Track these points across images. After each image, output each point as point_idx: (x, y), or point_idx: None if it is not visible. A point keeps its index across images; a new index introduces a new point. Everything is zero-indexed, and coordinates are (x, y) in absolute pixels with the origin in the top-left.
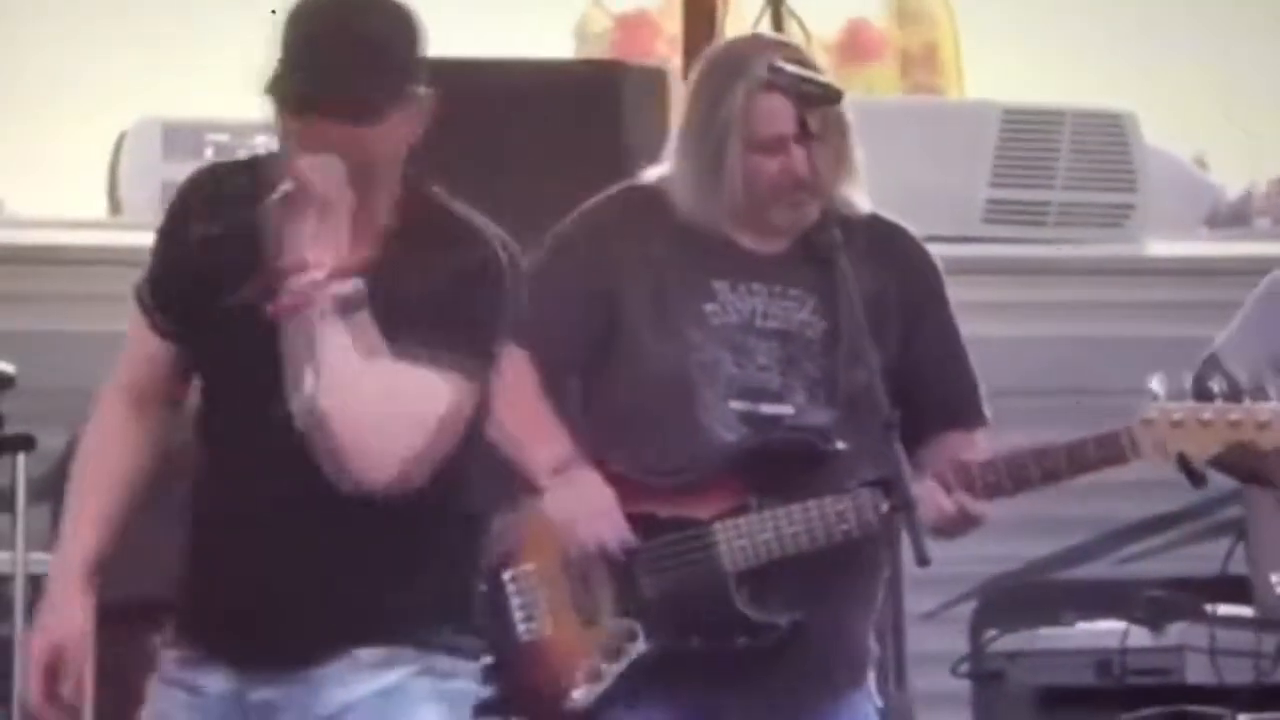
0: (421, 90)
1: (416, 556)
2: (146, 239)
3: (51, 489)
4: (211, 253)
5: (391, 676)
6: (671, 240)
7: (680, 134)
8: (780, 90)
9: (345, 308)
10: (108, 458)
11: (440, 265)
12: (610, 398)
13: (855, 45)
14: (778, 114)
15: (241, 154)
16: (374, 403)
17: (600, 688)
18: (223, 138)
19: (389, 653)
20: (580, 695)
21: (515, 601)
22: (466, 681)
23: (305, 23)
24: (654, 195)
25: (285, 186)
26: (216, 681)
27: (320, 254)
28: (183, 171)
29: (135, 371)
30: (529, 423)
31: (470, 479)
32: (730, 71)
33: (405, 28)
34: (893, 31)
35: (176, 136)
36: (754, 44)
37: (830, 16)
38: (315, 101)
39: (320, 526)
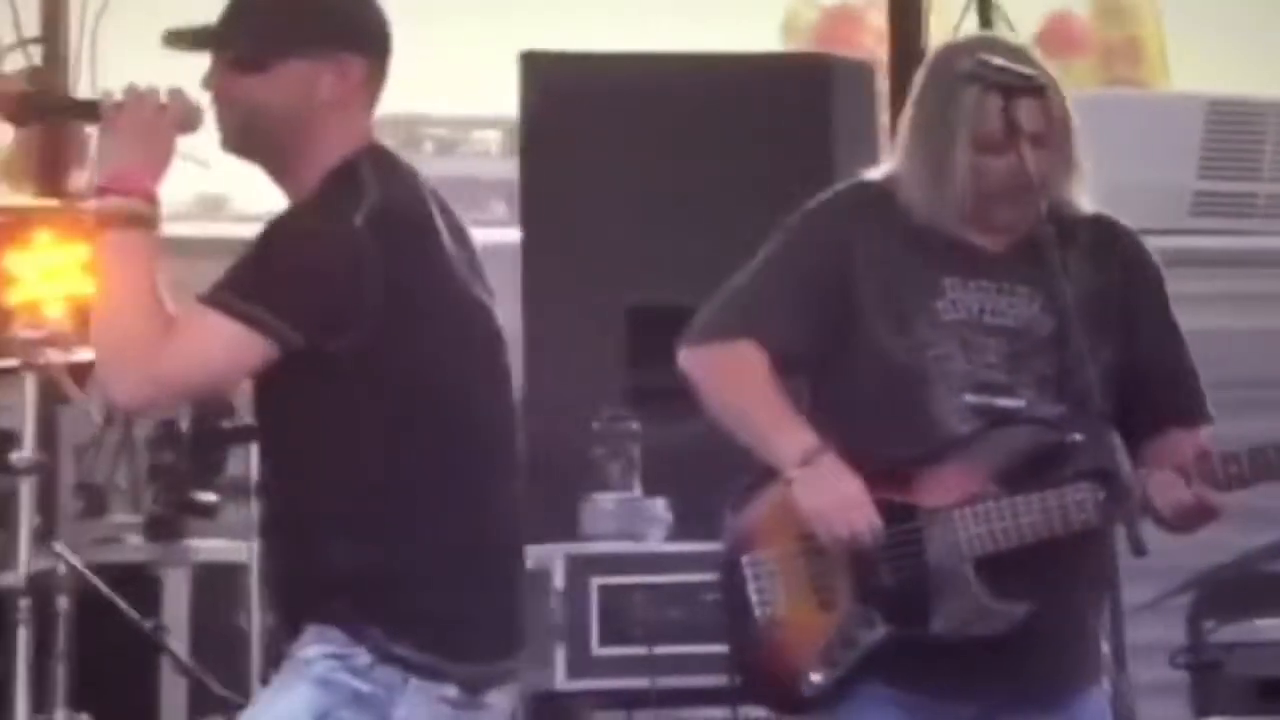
0: (334, 53)
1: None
2: None
3: None
4: None
5: (309, 650)
6: (901, 237)
7: (906, 134)
8: (1003, 90)
9: (114, 223)
10: None
11: (274, 221)
12: (842, 388)
13: (1057, 38)
14: (1001, 114)
15: (463, 149)
16: (118, 321)
17: (836, 673)
18: (440, 132)
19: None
20: (817, 679)
21: (752, 585)
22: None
23: None
24: (883, 192)
25: (107, 104)
26: None
27: (111, 173)
28: None
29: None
30: (766, 411)
31: (400, 457)
32: (954, 74)
33: None
34: (1095, 25)
35: (396, 131)
36: (976, 45)
37: (1033, 10)
38: (208, 39)
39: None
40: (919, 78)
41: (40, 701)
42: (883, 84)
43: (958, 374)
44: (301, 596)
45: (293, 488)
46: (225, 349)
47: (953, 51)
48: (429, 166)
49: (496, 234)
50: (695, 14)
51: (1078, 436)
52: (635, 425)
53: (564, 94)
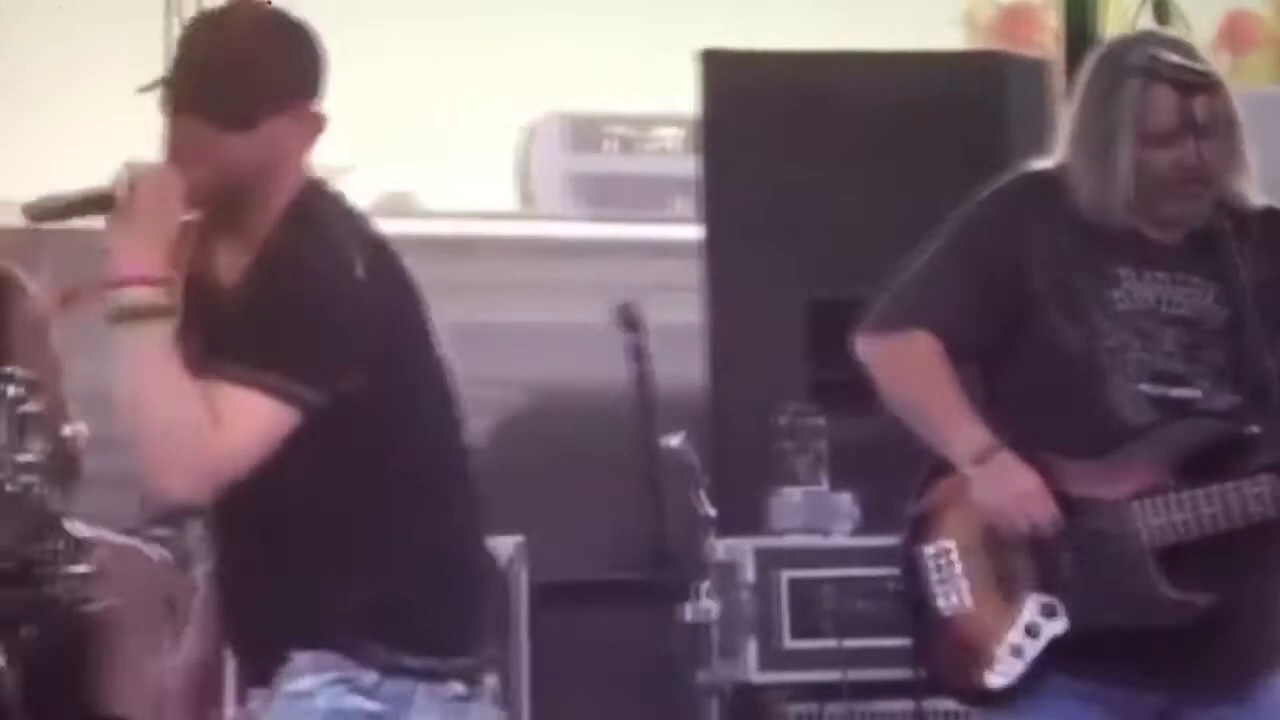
0: (307, 107)
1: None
2: (554, 229)
3: (477, 473)
4: None
5: (305, 682)
6: (1072, 227)
7: (1071, 129)
8: (1168, 83)
9: (143, 316)
10: None
11: (263, 287)
12: (1016, 377)
13: (1234, 35)
14: (1167, 107)
15: (644, 147)
16: (165, 416)
17: (1021, 664)
18: (622, 130)
19: (315, 657)
20: (1002, 670)
21: (934, 577)
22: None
23: (192, 29)
24: (1054, 181)
25: (120, 190)
26: None
27: (131, 262)
28: (586, 164)
29: None
30: (942, 405)
31: (383, 489)
32: (1119, 67)
33: (288, 42)
34: (1273, 21)
35: (578, 129)
36: (1142, 39)
37: (1210, 7)
38: (185, 99)
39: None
40: (1084, 71)
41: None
42: (1059, 82)
43: (1134, 363)
44: (292, 631)
45: (280, 525)
46: (270, 428)
47: (1119, 45)
48: (610, 164)
49: (678, 230)
50: (874, 12)
51: (1256, 429)
52: (820, 420)
53: (743, 92)
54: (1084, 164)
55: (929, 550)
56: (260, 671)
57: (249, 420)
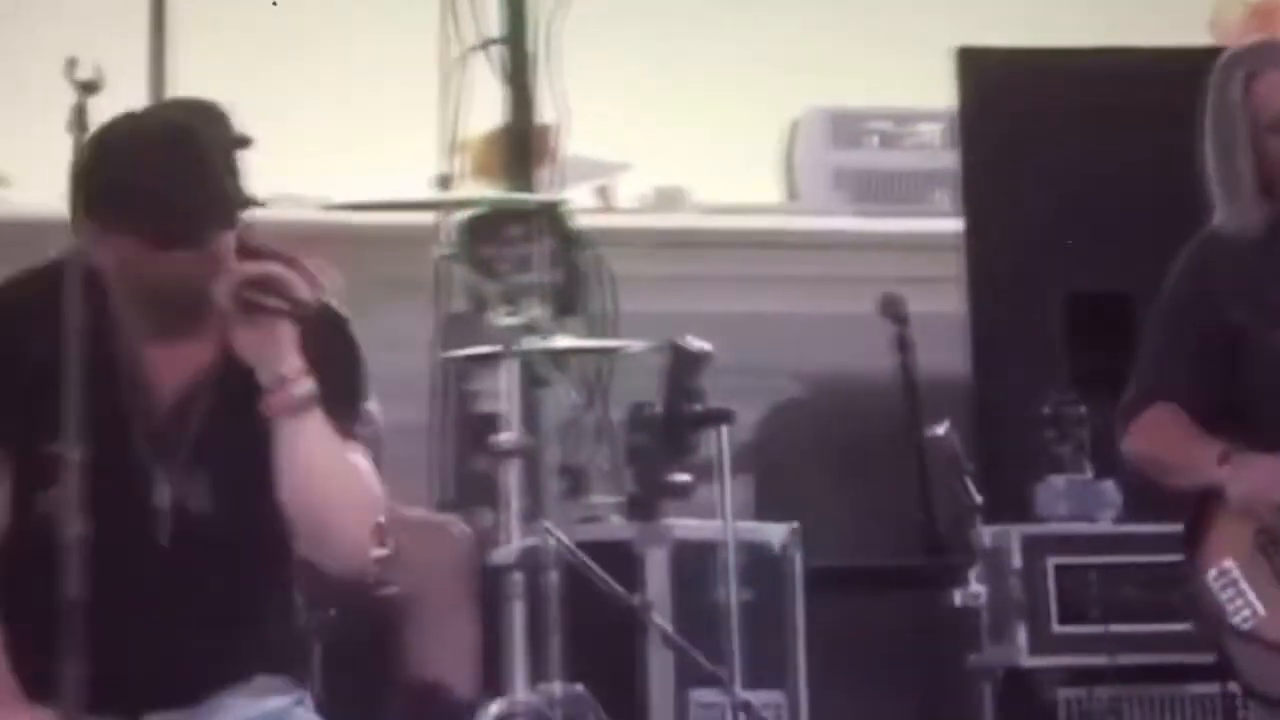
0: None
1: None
2: (819, 223)
3: (750, 460)
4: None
5: (277, 702)
6: (1244, 247)
7: (1204, 136)
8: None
9: (310, 407)
10: None
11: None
12: (1240, 396)
13: None
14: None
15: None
16: (348, 484)
17: None
18: (885, 125)
19: (275, 681)
20: None
21: (1224, 596)
22: None
23: (142, 155)
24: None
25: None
26: None
27: (286, 354)
28: (849, 159)
29: None
30: (1182, 447)
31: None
32: (1234, 61)
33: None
34: None
35: (842, 124)
36: (1261, 42)
37: None
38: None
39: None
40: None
41: (536, 672)
42: None
43: None
44: (258, 655)
45: (260, 551)
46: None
47: (1238, 45)
48: (872, 159)
49: (939, 224)
50: (1124, 11)
51: None
52: (1082, 408)
53: (999, 88)
54: (1213, 164)
55: (1212, 574)
56: (174, 692)
57: (371, 474)
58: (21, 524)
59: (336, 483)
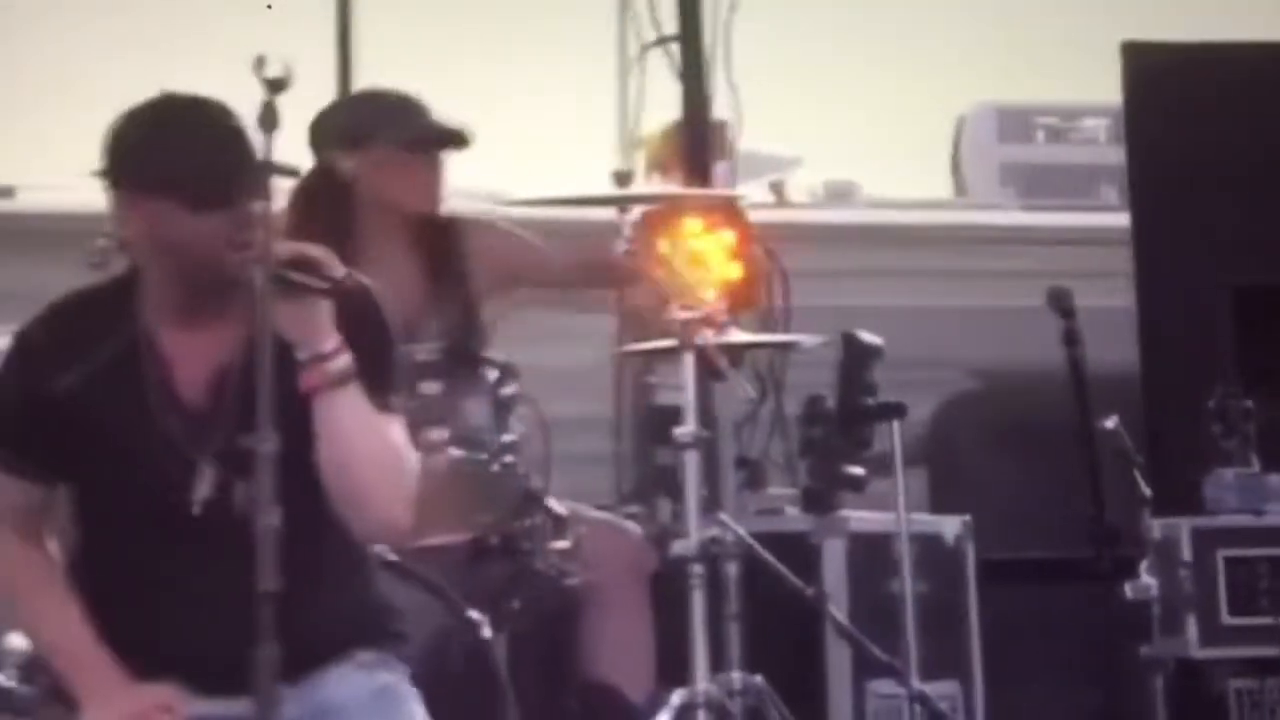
0: None
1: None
2: (987, 218)
3: (921, 454)
4: (84, 395)
5: (385, 677)
6: None
7: None
8: None
9: (346, 379)
10: (46, 571)
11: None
12: None
13: None
14: None
15: (1072, 137)
16: (383, 455)
17: None
18: (1052, 120)
19: (380, 656)
20: None
21: None
22: None
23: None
24: None
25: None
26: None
27: (324, 329)
28: (1017, 154)
29: (22, 520)
30: None
31: None
32: None
33: None
34: None
35: (1009, 119)
36: None
37: None
38: (246, 193)
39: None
40: None
41: (716, 663)
42: None
43: None
44: (355, 631)
45: (311, 525)
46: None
47: None
48: (1040, 154)
49: (1106, 218)
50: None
51: None
52: (1248, 403)
53: (1165, 82)
54: None
55: None
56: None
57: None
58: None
59: (371, 453)
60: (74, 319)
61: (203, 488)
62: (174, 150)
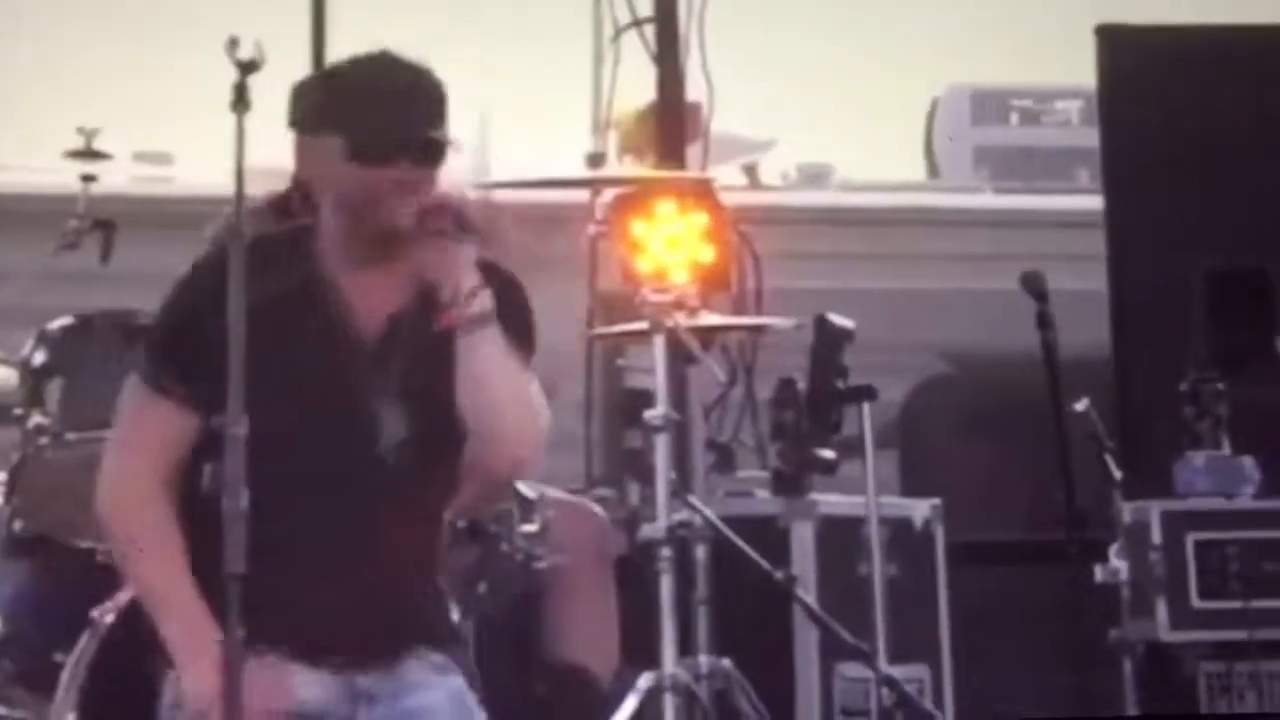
0: None
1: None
2: (960, 200)
3: (892, 437)
4: (272, 308)
5: (456, 681)
6: None
7: None
8: None
9: (487, 320)
10: (172, 540)
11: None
12: None
13: None
14: None
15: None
16: (521, 395)
17: None
18: (1026, 103)
19: (446, 658)
20: None
21: None
22: None
23: (366, 77)
24: None
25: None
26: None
27: (467, 271)
28: (991, 136)
29: (165, 454)
30: None
31: None
32: None
33: None
34: None
35: (984, 102)
36: None
37: None
38: (440, 148)
39: (395, 545)
40: None
41: (684, 646)
42: None
43: None
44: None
45: (427, 516)
46: None
47: None
48: (1014, 136)
49: (1081, 201)
50: None
51: None
52: (1221, 385)
53: (1140, 65)
54: None
55: None
56: (370, 647)
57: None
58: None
59: (509, 388)
60: (252, 254)
61: (393, 428)
62: (349, 94)
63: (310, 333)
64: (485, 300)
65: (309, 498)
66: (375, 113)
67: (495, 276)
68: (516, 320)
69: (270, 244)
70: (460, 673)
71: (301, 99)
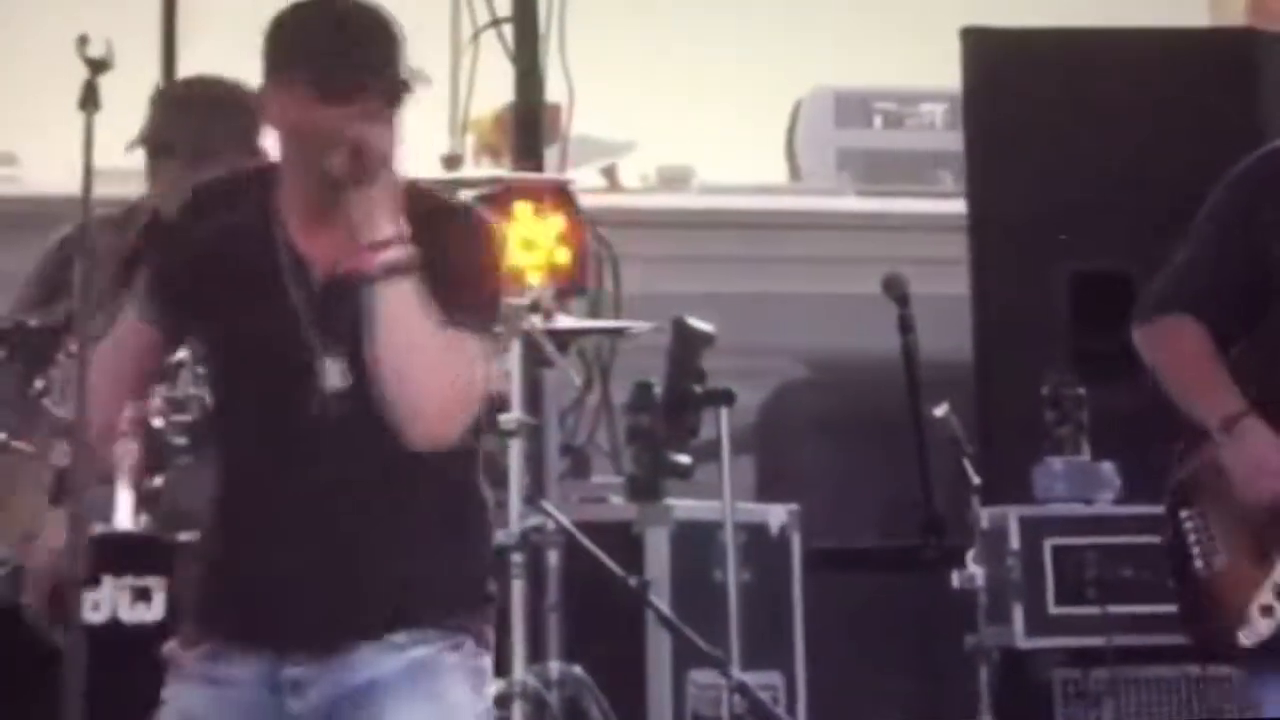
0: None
1: (438, 538)
2: (822, 203)
3: (750, 442)
4: (225, 243)
5: (420, 651)
6: None
7: None
8: None
9: (402, 271)
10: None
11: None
12: (1265, 353)
13: None
14: None
15: (910, 122)
16: (438, 362)
17: (1272, 624)
18: (890, 106)
19: (419, 634)
20: (1253, 630)
21: (1192, 539)
22: (486, 660)
23: (326, 18)
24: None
25: (342, 150)
26: (246, 669)
27: (385, 219)
28: (854, 139)
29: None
30: (1196, 376)
31: (478, 456)
32: None
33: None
34: None
35: (847, 104)
36: None
37: None
38: (403, 86)
39: (351, 513)
40: None
41: (535, 652)
42: None
43: None
44: (412, 598)
45: (414, 488)
46: (487, 369)
47: None
48: (878, 139)
49: (944, 204)
50: None
51: None
52: (1082, 390)
53: (1004, 68)
54: None
55: (1186, 514)
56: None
57: (487, 367)
58: None
59: (423, 355)
60: (215, 188)
61: (332, 380)
62: (310, 35)
63: (259, 277)
64: (399, 252)
65: (254, 458)
66: (336, 50)
67: (448, 221)
68: (462, 269)
69: (233, 177)
70: (438, 642)
71: (264, 38)
